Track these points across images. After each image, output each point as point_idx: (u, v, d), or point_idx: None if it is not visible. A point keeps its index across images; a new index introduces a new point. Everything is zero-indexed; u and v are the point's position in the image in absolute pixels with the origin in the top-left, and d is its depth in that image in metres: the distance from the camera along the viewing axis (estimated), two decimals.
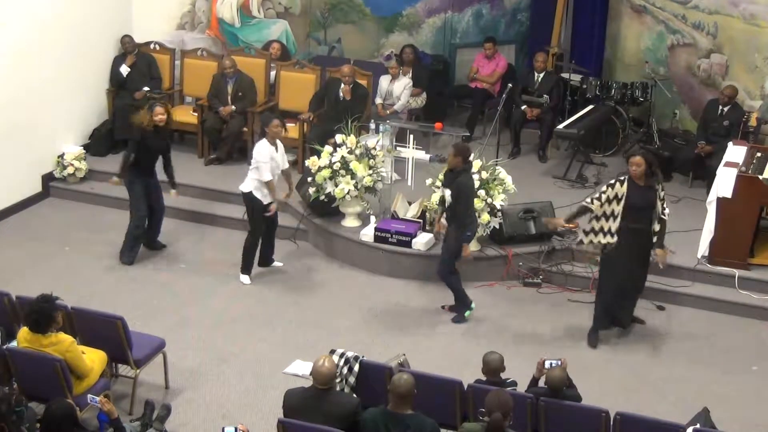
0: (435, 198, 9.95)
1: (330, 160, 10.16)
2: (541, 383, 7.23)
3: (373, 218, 10.34)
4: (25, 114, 10.98)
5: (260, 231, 9.79)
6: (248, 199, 9.63)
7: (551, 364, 7.19)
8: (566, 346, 8.93)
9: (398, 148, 10.36)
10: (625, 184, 8.63)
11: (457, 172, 8.93)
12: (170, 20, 12.91)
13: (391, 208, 10.45)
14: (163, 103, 10.12)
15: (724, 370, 8.77)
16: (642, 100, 12.55)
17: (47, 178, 11.48)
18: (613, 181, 8.73)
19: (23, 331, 7.20)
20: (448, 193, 8.99)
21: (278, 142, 9.62)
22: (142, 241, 10.19)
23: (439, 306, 9.53)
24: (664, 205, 8.76)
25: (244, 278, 9.85)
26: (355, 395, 6.88)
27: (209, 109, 11.84)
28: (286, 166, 9.82)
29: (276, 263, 10.12)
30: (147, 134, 9.70)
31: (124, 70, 11.92)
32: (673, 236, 10.37)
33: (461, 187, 8.92)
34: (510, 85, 11.88)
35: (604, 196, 8.67)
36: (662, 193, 8.72)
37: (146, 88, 11.86)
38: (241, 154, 11.95)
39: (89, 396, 6.87)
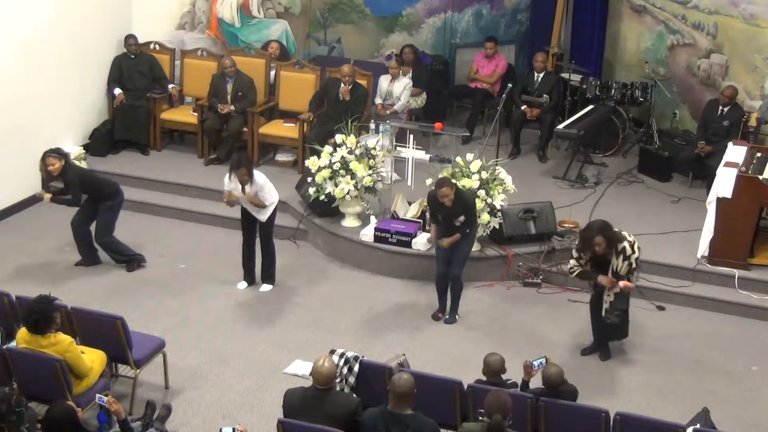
0: None
1: (330, 160, 10.16)
2: (532, 385, 7.22)
3: (373, 218, 10.34)
4: (25, 114, 10.98)
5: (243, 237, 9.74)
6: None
7: (539, 363, 7.18)
8: (566, 347, 8.94)
9: (398, 148, 10.37)
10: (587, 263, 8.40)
11: None
12: (170, 20, 12.92)
13: (391, 208, 10.45)
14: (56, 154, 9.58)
15: (724, 370, 8.77)
16: (642, 100, 12.54)
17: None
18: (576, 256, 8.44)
19: (22, 332, 7.19)
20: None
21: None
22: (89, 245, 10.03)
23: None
24: (633, 274, 8.38)
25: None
26: (355, 395, 6.88)
27: (209, 109, 11.85)
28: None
29: (263, 287, 9.82)
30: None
31: (117, 92, 11.94)
32: (673, 236, 10.41)
33: None
34: (510, 85, 11.88)
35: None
36: (624, 263, 8.26)
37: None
38: None
39: (97, 396, 6.83)
